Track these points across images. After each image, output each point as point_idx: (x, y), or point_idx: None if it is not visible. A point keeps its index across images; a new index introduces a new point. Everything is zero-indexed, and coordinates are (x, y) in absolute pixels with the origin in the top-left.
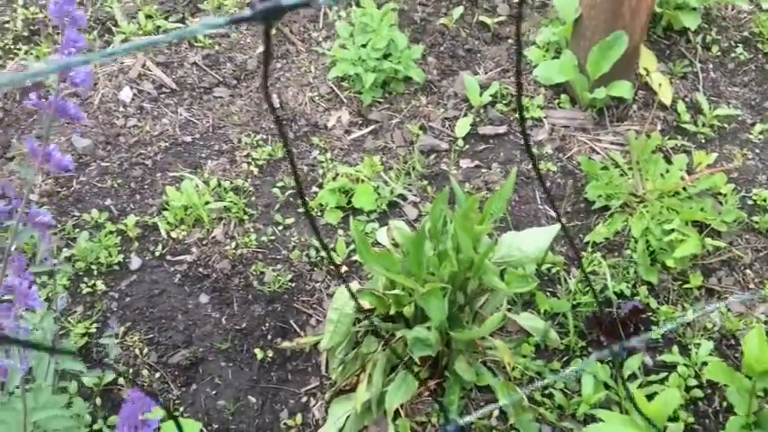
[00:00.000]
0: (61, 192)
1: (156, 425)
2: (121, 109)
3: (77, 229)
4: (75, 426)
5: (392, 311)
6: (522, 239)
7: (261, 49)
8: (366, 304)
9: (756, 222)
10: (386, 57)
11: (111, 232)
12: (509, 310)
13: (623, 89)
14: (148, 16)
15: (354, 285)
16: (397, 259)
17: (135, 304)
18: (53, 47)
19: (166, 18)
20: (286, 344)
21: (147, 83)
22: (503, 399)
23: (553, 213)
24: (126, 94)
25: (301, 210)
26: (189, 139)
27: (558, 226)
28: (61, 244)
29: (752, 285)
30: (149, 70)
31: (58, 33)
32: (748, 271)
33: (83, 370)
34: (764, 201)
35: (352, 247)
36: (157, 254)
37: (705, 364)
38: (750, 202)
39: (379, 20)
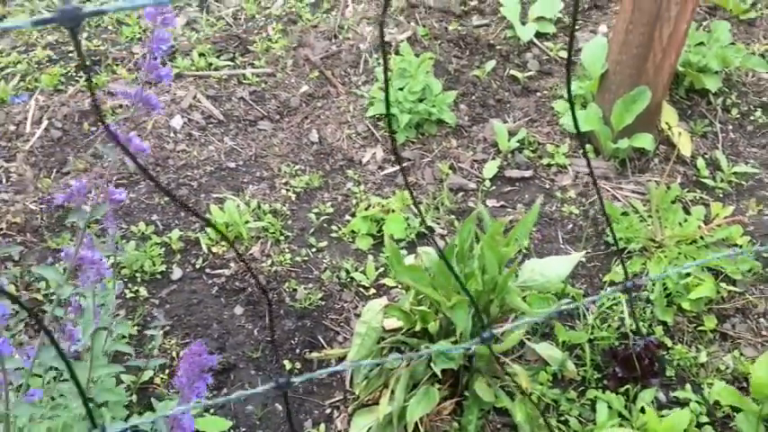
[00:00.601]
0: (111, 206)
1: (209, 378)
2: (172, 135)
3: (125, 240)
4: (121, 400)
5: (418, 328)
6: (544, 265)
7: (304, 88)
8: (393, 323)
9: None
10: (421, 100)
11: (156, 244)
12: (529, 339)
13: (645, 141)
14: (201, 54)
15: (383, 301)
16: (426, 275)
17: (174, 311)
18: (111, 76)
19: (218, 56)
20: (314, 354)
21: (197, 113)
22: (519, 415)
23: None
24: (177, 121)
25: (334, 234)
26: (233, 165)
27: (579, 254)
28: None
29: (764, 332)
30: (200, 102)
31: (117, 65)
32: (762, 320)
33: (131, 353)
34: None
35: (380, 270)
36: (198, 266)
37: (718, 402)
38: (766, 255)
39: (417, 66)
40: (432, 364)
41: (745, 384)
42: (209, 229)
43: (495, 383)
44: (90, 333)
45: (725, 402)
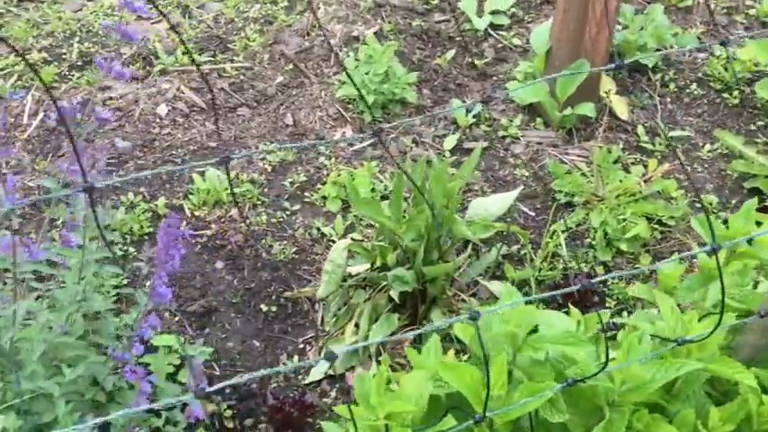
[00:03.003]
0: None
1: (182, 249)
2: (158, 121)
3: (114, 209)
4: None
5: (378, 263)
6: (487, 202)
7: (280, 79)
8: (358, 268)
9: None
10: (384, 82)
11: (143, 210)
12: (482, 278)
13: (587, 108)
14: (184, 52)
15: (347, 241)
16: (381, 208)
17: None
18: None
19: (200, 53)
20: (287, 294)
21: (181, 103)
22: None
23: (528, 212)
24: (162, 109)
25: (307, 199)
26: (213, 144)
27: (517, 190)
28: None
29: (696, 270)
30: (183, 93)
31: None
32: (695, 260)
33: (120, 272)
34: (710, 203)
35: (347, 224)
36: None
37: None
38: (698, 206)
39: (381, 53)
40: (390, 292)
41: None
42: (192, 196)
43: (450, 316)
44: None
45: (638, 293)
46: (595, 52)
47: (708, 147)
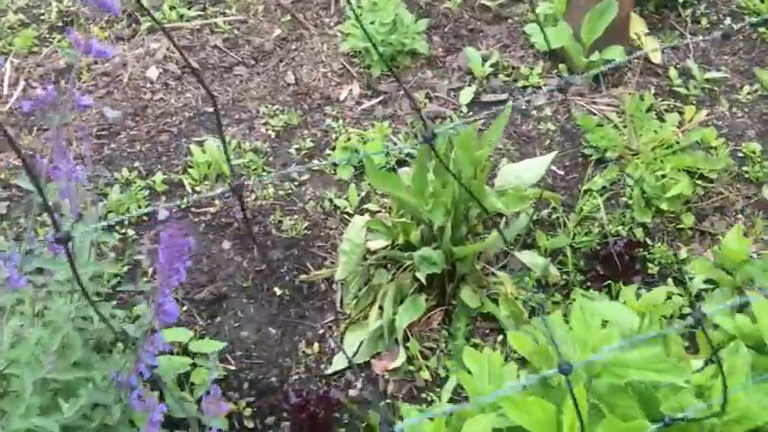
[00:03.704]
0: (93, 156)
1: (187, 261)
2: (148, 85)
3: (108, 187)
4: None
5: (400, 240)
6: (519, 168)
7: (277, 32)
8: (377, 244)
9: (747, 172)
10: (392, 33)
11: (140, 188)
12: (512, 248)
13: (616, 53)
14: (172, 7)
15: (365, 218)
16: (402, 183)
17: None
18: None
19: (189, 8)
20: (303, 276)
21: (172, 64)
22: (503, 311)
23: (557, 171)
24: (152, 72)
25: (316, 168)
26: (210, 109)
27: (551, 155)
28: (94, 200)
29: (743, 227)
30: (173, 52)
31: (90, 24)
32: (740, 216)
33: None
34: (753, 153)
35: (362, 196)
36: (183, 206)
37: (699, 294)
38: (740, 155)
39: (387, 0)
40: (416, 273)
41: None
42: (191, 170)
43: (480, 292)
44: (70, 226)
45: (696, 272)
46: None
47: (747, 88)
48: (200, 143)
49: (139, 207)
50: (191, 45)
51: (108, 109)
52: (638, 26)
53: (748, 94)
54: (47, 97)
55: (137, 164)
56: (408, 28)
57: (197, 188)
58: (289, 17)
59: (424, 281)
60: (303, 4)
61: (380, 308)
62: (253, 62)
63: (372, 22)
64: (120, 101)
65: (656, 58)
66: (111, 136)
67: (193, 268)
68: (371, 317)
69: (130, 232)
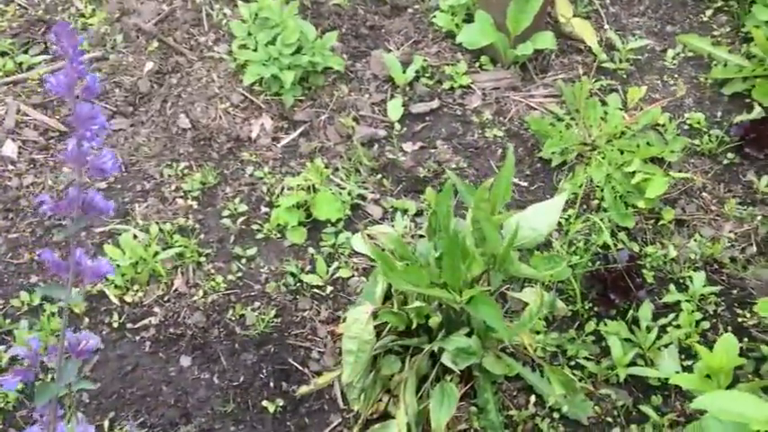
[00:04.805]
0: None
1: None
2: (10, 167)
3: (8, 319)
4: None
5: (414, 326)
6: (530, 218)
7: (149, 65)
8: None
9: (698, 145)
10: (299, 51)
11: (52, 314)
12: (508, 289)
13: (546, 40)
14: (4, 53)
15: (367, 308)
16: (425, 273)
17: (108, 389)
18: None
19: (26, 51)
20: (303, 389)
21: (30, 130)
22: (558, 388)
23: (520, 183)
24: (10, 148)
25: (259, 236)
26: (103, 185)
27: (564, 195)
28: None
29: (713, 207)
30: (27, 115)
31: None
32: (704, 194)
33: None
34: (698, 123)
35: (335, 264)
36: (115, 325)
37: (703, 296)
38: (686, 127)
39: (281, 11)
40: (448, 362)
41: (716, 267)
42: (111, 277)
43: (502, 355)
44: None
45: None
46: None
47: (670, 52)
48: (109, 235)
49: (54, 332)
50: (45, 101)
51: None
52: (563, 8)
53: (673, 58)
54: None
55: (33, 279)
56: (316, 44)
57: (125, 298)
58: (156, 44)
59: (458, 371)
60: (168, 24)
61: (398, 398)
62: (131, 109)
63: (272, 42)
64: None
65: (593, 41)
66: None
67: (156, 404)
68: (399, 414)
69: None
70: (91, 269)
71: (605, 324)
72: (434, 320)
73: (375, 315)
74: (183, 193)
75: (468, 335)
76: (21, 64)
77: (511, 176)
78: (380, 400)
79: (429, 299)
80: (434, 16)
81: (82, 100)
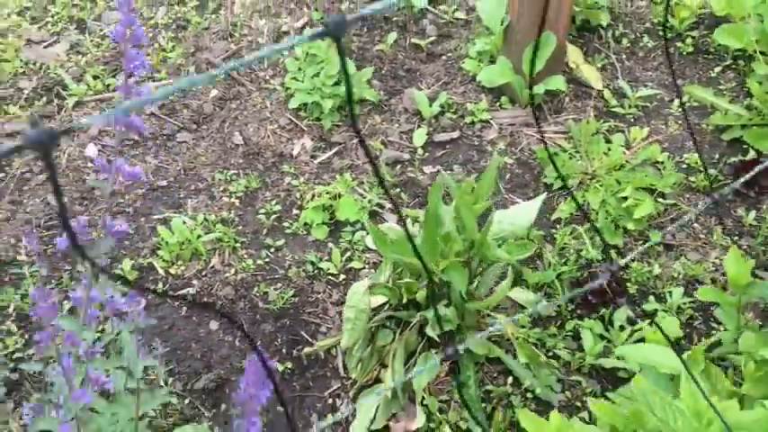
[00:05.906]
0: (48, 249)
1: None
2: (90, 165)
3: (73, 281)
4: None
5: (404, 300)
6: (511, 215)
7: (214, 93)
8: (376, 300)
9: (693, 182)
10: (338, 83)
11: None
12: (496, 283)
13: (558, 83)
14: (95, 76)
15: (365, 283)
16: (410, 247)
17: (147, 343)
18: (5, 116)
19: (114, 76)
20: (307, 350)
21: (109, 138)
22: (522, 357)
23: (521, 202)
24: (91, 150)
25: (288, 231)
26: (164, 183)
27: (540, 198)
28: (61, 297)
29: (701, 235)
30: (108, 125)
31: (7, 104)
32: (696, 225)
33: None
34: (696, 163)
35: (349, 256)
36: (159, 291)
37: (680, 307)
38: (684, 166)
39: (326, 50)
40: (431, 332)
41: (697, 286)
42: (161, 252)
43: (483, 337)
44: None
45: (705, 299)
46: (559, 23)
47: (676, 102)
48: (164, 221)
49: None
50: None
51: (51, 196)
52: (574, 55)
53: (678, 106)
54: None
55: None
56: (354, 77)
57: (170, 270)
58: (222, 76)
59: (437, 339)
60: (234, 59)
61: (389, 367)
62: (195, 126)
63: (317, 75)
64: (63, 186)
65: (597, 83)
66: (60, 226)
67: (185, 356)
68: (386, 379)
69: (108, 328)
70: (128, 172)
71: (583, 321)
72: (421, 294)
73: (371, 289)
74: (228, 194)
75: (447, 306)
76: (108, 86)
77: (494, 175)
78: (375, 370)
79: (416, 274)
80: (464, 62)
81: (131, 45)
